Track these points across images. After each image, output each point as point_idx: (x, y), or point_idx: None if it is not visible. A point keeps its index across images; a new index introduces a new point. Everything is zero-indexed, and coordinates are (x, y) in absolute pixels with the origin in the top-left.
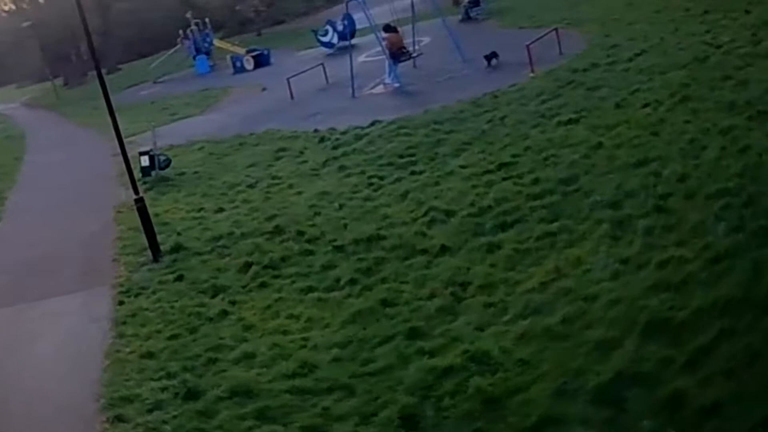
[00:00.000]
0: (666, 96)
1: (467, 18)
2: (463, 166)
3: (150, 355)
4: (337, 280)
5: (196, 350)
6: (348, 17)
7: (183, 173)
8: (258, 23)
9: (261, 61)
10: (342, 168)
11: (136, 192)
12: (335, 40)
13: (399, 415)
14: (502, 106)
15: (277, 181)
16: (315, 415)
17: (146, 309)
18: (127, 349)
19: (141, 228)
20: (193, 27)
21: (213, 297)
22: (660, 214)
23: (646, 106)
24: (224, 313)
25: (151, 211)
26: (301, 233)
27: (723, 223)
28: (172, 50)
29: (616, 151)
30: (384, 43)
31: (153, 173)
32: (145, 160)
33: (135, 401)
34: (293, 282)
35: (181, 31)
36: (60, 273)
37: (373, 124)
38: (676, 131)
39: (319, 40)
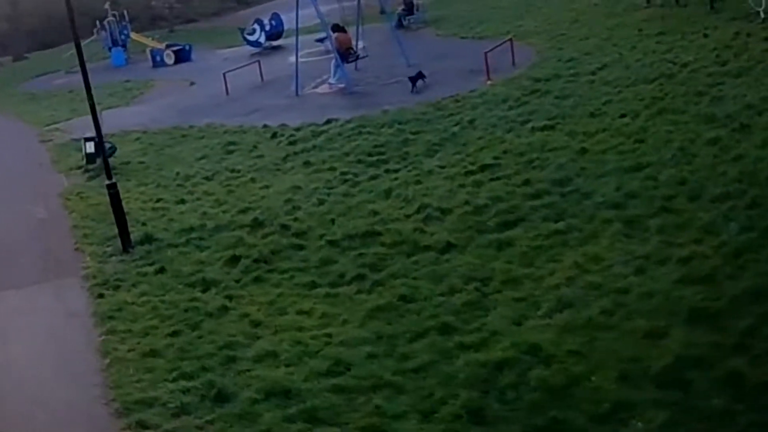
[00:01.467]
0: (641, 107)
1: (400, 26)
2: (441, 167)
3: (154, 353)
4: (341, 275)
5: (207, 348)
6: (276, 17)
7: (128, 162)
8: (171, 20)
9: (182, 56)
10: (308, 164)
11: (109, 177)
12: (262, 39)
13: (465, 410)
14: (466, 110)
15: (236, 174)
16: (369, 415)
17: (132, 303)
18: (125, 347)
19: (102, 216)
20: (111, 18)
21: (205, 291)
22: (668, 215)
23: (623, 116)
24: (225, 309)
25: (102, 200)
26: (285, 227)
27: (733, 222)
28: (87, 41)
29: (604, 156)
30: (333, 43)
31: (98, 160)
32: (90, 147)
33: (154, 405)
34: (292, 277)
35: (98, 22)
36: (15, 262)
37: (329, 122)
38: (661, 140)
39: (246, 39)
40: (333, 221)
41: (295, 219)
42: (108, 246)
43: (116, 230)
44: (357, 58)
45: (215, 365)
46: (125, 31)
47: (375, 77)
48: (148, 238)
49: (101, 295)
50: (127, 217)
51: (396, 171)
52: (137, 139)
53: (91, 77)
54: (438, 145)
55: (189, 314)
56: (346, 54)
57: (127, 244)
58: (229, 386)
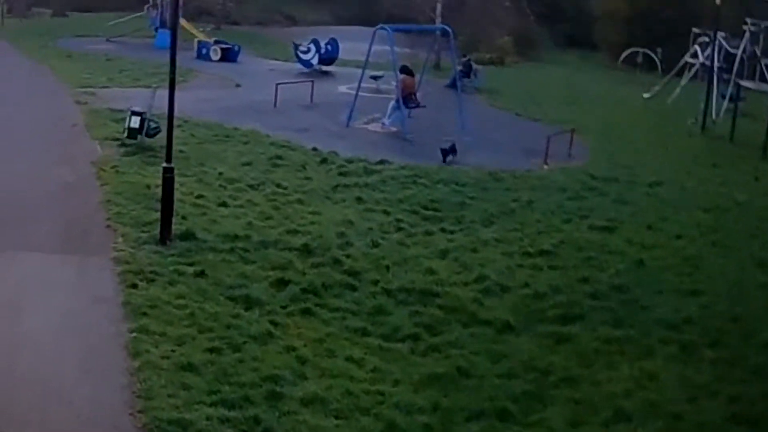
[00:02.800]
0: (697, 234)
1: (453, 86)
2: (498, 240)
3: (191, 368)
4: (396, 329)
5: (250, 376)
6: (333, 42)
7: None
8: (218, 17)
9: (228, 55)
10: (360, 200)
11: (168, 160)
12: (315, 60)
13: None
14: (523, 189)
15: (282, 190)
16: None
17: (168, 302)
18: (157, 352)
19: (138, 197)
20: None
21: (247, 309)
22: (721, 349)
23: (679, 237)
24: (269, 335)
25: (139, 180)
26: (337, 262)
27: None
28: (136, 14)
29: (662, 274)
30: (398, 84)
31: (138, 138)
32: (135, 121)
33: (188, 429)
34: (343, 318)
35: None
36: (36, 223)
37: (381, 162)
38: (716, 272)
39: (297, 56)
40: (388, 269)
41: (348, 256)
42: (143, 231)
43: (154, 216)
44: (417, 105)
45: (259, 399)
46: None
47: (424, 129)
48: (188, 235)
49: (134, 285)
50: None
51: (451, 232)
52: (179, 125)
53: (129, 50)
54: (495, 217)
55: (230, 332)
56: (407, 98)
57: (166, 235)
58: (276, 427)
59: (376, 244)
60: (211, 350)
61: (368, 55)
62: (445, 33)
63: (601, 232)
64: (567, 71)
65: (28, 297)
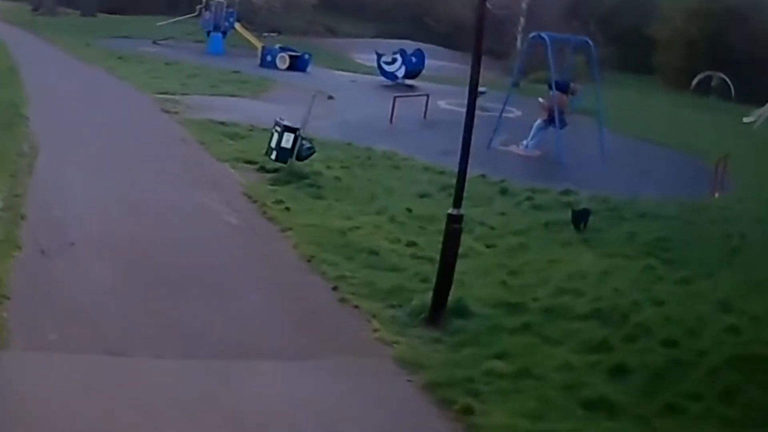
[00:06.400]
0: None
1: None
2: (751, 290)
3: None
4: None
5: None
6: (419, 54)
7: (319, 173)
8: (258, 24)
9: (298, 64)
10: (586, 242)
11: (457, 205)
12: (401, 73)
13: None
14: (724, 223)
15: (491, 231)
16: None
17: None
18: None
19: (338, 247)
20: (220, 0)
21: (611, 418)
22: None
23: None
24: None
25: (322, 222)
26: (648, 331)
27: None
28: (186, 16)
29: None
30: (553, 102)
31: (289, 161)
32: (287, 140)
33: None
34: (710, 409)
35: (204, 0)
36: (234, 298)
37: (567, 192)
38: None
39: (380, 67)
40: (696, 333)
41: (650, 321)
42: (390, 306)
43: (387, 280)
44: (565, 125)
45: None
46: (231, 19)
47: (554, 151)
48: (462, 310)
49: (468, 410)
50: (375, 259)
51: (706, 277)
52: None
53: (186, 55)
54: (726, 259)
55: None
56: (559, 117)
57: (439, 313)
58: None
59: (660, 302)
60: None
61: (522, 65)
62: (585, 45)
63: None
64: (640, 94)
65: None
